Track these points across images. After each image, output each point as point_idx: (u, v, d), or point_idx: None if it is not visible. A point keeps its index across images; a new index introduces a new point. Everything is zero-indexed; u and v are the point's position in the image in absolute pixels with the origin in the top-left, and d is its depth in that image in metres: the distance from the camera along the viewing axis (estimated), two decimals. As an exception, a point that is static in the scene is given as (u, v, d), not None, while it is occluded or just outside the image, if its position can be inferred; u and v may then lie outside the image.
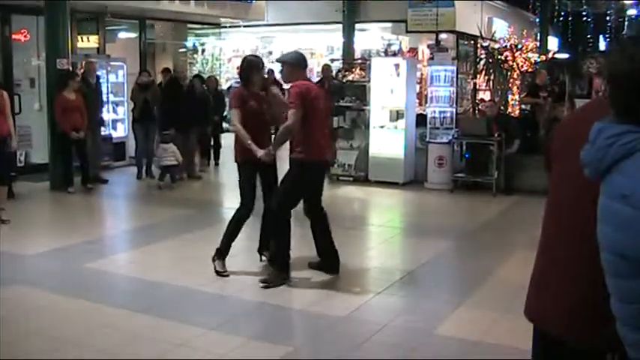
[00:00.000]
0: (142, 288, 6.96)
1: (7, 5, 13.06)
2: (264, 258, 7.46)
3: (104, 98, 13.89)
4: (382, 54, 19.18)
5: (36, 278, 7.21)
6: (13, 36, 13.62)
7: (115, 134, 14.59)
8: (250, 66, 7.28)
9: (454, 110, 12.77)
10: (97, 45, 15.26)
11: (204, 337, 5.56)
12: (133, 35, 16.80)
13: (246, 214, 7.17)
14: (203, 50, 19.36)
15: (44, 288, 6.86)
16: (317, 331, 5.76)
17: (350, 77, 13.35)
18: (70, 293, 6.65)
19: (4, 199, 9.72)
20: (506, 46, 17.84)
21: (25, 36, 13.90)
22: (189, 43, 18.93)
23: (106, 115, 14.05)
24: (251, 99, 7.09)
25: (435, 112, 12.71)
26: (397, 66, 12.69)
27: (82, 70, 13.05)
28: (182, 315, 6.06)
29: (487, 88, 18.60)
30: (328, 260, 7.24)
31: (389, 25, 20.22)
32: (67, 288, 6.84)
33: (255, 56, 7.91)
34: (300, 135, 6.75)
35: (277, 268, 6.96)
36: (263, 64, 7.51)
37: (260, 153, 6.84)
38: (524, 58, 17.80)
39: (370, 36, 20.78)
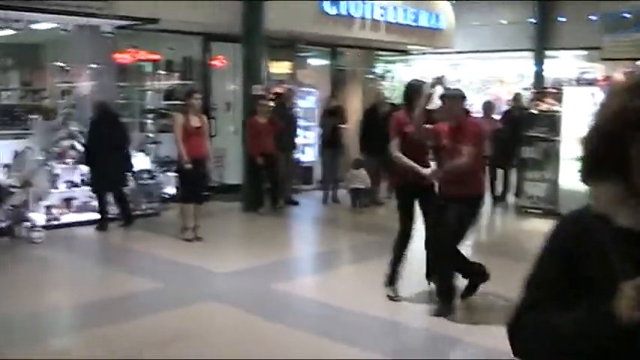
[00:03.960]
0: (324, 312, 7.05)
1: (207, 34, 13.76)
2: (432, 284, 7.37)
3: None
4: (574, 82, 18.52)
5: (225, 296, 7.48)
6: (213, 62, 14.33)
7: (303, 158, 14.93)
8: (411, 91, 7.23)
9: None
10: (289, 71, 15.69)
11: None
12: (323, 62, 17.16)
13: (404, 239, 7.21)
14: (392, 77, 19.49)
15: (233, 305, 7.13)
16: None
17: (542, 107, 12.92)
18: (255, 312, 6.87)
19: (200, 217, 10.18)
20: None
21: (221, 62, 14.57)
22: (377, 70, 19.08)
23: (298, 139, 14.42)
24: (410, 124, 7.00)
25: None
26: (593, 95, 12.17)
27: (278, 95, 13.56)
28: (360, 340, 6.09)
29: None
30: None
31: (582, 52, 19.51)
32: (253, 307, 7.05)
33: (417, 80, 7.77)
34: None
35: (443, 300, 6.87)
36: (422, 87, 7.25)
37: (426, 171, 6.88)
38: None
39: (562, 63, 20.13)
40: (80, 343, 6.17)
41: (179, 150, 9.74)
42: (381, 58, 19.58)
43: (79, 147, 11.01)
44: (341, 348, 5.92)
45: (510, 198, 13.73)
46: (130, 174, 11.21)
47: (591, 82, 17.29)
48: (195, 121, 9.85)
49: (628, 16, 17.17)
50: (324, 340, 6.08)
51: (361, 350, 5.86)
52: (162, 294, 7.52)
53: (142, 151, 12.30)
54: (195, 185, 10.02)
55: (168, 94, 13.75)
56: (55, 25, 11.60)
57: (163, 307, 6.96)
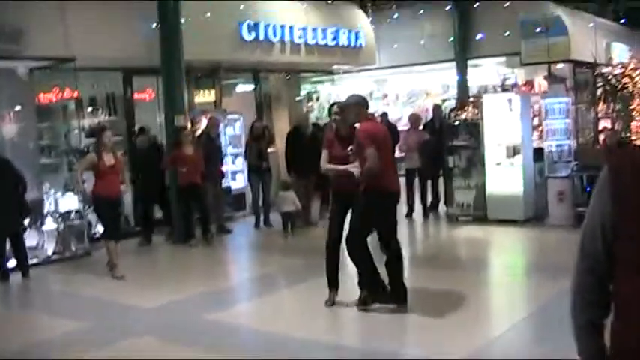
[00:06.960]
0: (259, 337, 7.04)
1: (127, 68, 13.66)
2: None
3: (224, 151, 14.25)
4: (499, 89, 18.85)
5: (158, 330, 7.42)
6: (139, 95, 14.24)
7: (234, 185, 14.88)
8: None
9: (571, 143, 12.36)
10: (213, 99, 15.66)
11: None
12: (247, 87, 17.16)
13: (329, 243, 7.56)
14: (317, 97, 19.60)
15: (165, 339, 7.08)
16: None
17: (463, 116, 13.13)
18: (190, 344, 6.81)
19: (118, 255, 9.98)
20: (624, 71, 17.16)
21: (150, 95, 14.50)
22: (303, 92, 19.18)
23: (225, 167, 14.36)
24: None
25: (551, 145, 12.37)
26: (510, 101, 12.43)
27: (197, 125, 13.55)
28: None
29: (607, 116, 17.95)
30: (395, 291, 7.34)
31: (503, 58, 19.89)
32: (187, 339, 6.99)
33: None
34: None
35: (367, 290, 7.31)
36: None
37: (355, 170, 7.19)
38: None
39: (485, 71, 20.49)
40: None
41: (78, 184, 9.81)
42: (306, 79, 19.70)
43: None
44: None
45: (441, 207, 13.91)
46: (26, 217, 10.75)
47: (510, 88, 17.65)
48: (109, 160, 9.79)
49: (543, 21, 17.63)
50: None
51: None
52: (90, 333, 7.38)
53: (71, 190, 12.11)
54: (112, 223, 9.94)
55: (93, 132, 13.56)
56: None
57: (91, 346, 6.84)
